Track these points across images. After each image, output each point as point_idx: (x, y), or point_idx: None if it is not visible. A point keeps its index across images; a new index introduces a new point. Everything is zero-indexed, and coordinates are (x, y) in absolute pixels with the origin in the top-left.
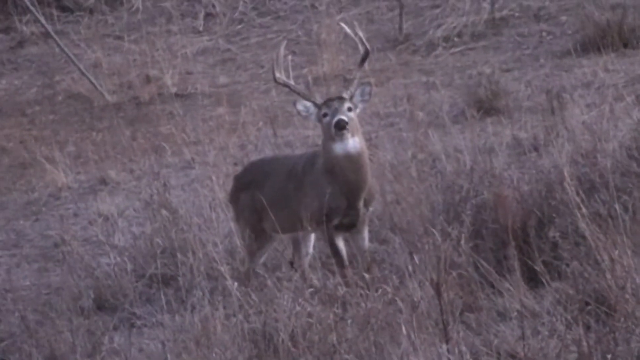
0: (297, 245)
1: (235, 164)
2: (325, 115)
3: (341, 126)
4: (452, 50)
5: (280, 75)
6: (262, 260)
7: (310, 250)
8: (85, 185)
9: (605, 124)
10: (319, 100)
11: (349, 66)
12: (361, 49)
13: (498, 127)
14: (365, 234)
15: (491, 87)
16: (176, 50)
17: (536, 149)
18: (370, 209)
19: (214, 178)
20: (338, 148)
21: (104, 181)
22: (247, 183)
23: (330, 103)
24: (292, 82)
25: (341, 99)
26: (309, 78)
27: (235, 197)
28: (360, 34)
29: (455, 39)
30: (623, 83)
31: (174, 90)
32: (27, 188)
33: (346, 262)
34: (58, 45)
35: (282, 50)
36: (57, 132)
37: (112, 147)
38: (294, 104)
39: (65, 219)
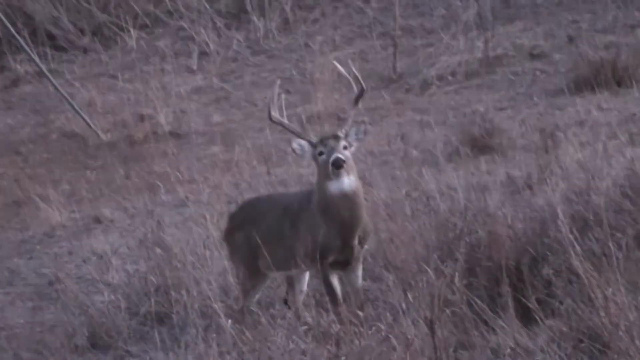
0: (291, 283)
1: (229, 203)
2: (321, 153)
3: (338, 165)
4: (446, 88)
5: (275, 114)
6: (256, 298)
7: (305, 287)
8: (80, 224)
9: (599, 162)
10: (314, 138)
11: (343, 105)
12: (356, 87)
13: (492, 165)
14: (359, 271)
15: (485, 126)
16: (170, 89)
17: (530, 187)
18: (365, 246)
19: (207, 216)
20: (333, 187)
21: (98, 219)
22: (242, 222)
23: (326, 141)
24: (286, 120)
25: (336, 137)
26: (303, 117)
27: (230, 236)
28: (356, 71)
29: (449, 77)
30: (616, 121)
31: (168, 128)
32: (21, 226)
33: (340, 300)
34: (52, 84)
35: (276, 89)
36: (51, 171)
37: (106, 185)
38: (290, 142)
39: (59, 257)
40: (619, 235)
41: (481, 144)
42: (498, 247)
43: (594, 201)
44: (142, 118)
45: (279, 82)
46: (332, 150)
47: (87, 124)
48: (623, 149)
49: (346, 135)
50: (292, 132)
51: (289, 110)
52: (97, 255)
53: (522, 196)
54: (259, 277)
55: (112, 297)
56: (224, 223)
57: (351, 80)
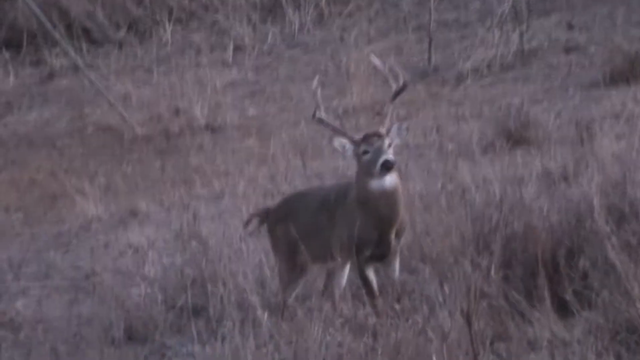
0: (330, 275)
1: (265, 195)
2: (365, 152)
3: (389, 167)
4: (481, 81)
5: (319, 113)
6: (295, 291)
7: (344, 281)
8: (116, 217)
9: (635, 155)
10: (356, 136)
11: (379, 98)
12: (396, 81)
13: (527, 157)
14: (397, 264)
15: (520, 118)
16: (205, 83)
17: (566, 180)
18: (402, 240)
19: (243, 209)
20: (375, 184)
21: (134, 213)
22: (284, 215)
23: (370, 140)
24: (328, 119)
25: (380, 135)
26: (340, 110)
27: (272, 229)
28: (397, 68)
29: (484, 70)
30: None
31: (203, 122)
32: (58, 219)
33: (376, 293)
34: (88, 78)
35: (316, 83)
36: (87, 164)
37: (142, 178)
38: (331, 141)
39: (95, 250)
40: None
41: (517, 137)
42: (534, 239)
43: (629, 193)
44: (177, 111)
45: (317, 78)
46: (380, 150)
47: (123, 117)
48: None
49: (387, 132)
50: (335, 131)
51: (324, 103)
52: (134, 249)
53: (557, 188)
54: (298, 271)
55: (149, 290)
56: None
57: (388, 75)
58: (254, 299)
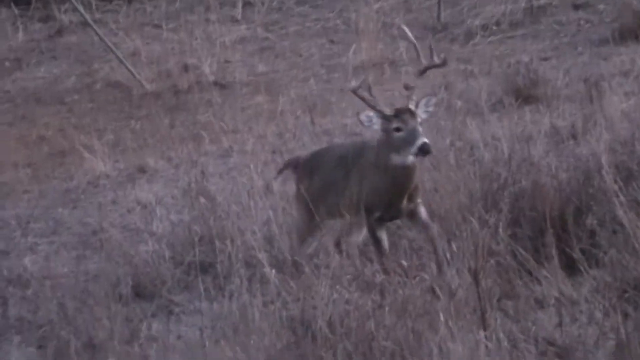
0: (349, 232)
1: (274, 152)
2: (398, 129)
3: (427, 151)
4: (490, 38)
5: (355, 85)
6: (310, 246)
7: (359, 239)
8: (124, 173)
9: None
10: (387, 110)
11: (387, 54)
12: (424, 58)
13: (536, 115)
14: (422, 214)
15: (529, 76)
16: (214, 39)
17: (574, 137)
18: (418, 200)
19: (252, 166)
20: (398, 159)
21: (142, 169)
22: (309, 169)
23: (404, 117)
24: (361, 91)
25: (412, 112)
26: (350, 67)
27: (299, 180)
28: (432, 45)
29: (494, 27)
30: None
31: (212, 78)
32: (66, 176)
33: (386, 251)
34: (97, 34)
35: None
36: (95, 121)
37: (151, 135)
38: (358, 114)
39: (103, 207)
40: None
41: (525, 94)
42: (542, 197)
43: (638, 151)
44: (186, 68)
45: (362, 79)
46: (415, 131)
47: (132, 73)
48: None
49: (416, 107)
50: (369, 105)
51: (333, 60)
52: (142, 205)
53: (566, 146)
54: (315, 225)
55: (157, 246)
56: (268, 172)
57: (418, 49)
58: (262, 256)
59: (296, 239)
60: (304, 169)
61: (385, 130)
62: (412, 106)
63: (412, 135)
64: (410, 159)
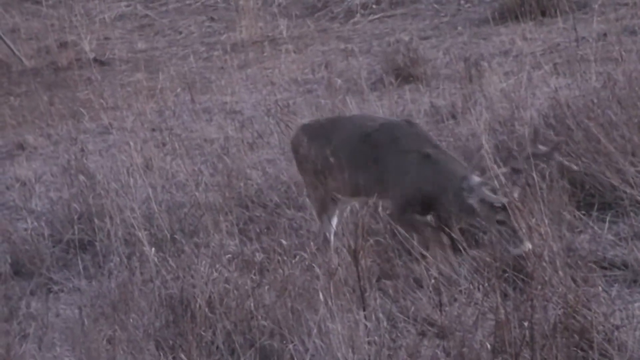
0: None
1: (153, 130)
2: (501, 222)
3: None
4: (371, 17)
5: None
6: (334, 220)
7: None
8: (3, 150)
9: (523, 92)
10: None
11: (267, 32)
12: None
13: (416, 94)
14: None
15: (409, 55)
16: (94, 16)
17: (454, 117)
18: None
19: (131, 143)
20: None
21: (21, 146)
22: (317, 135)
23: (509, 217)
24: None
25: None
26: (228, 45)
27: (299, 146)
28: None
29: (374, 6)
30: (541, 51)
31: (92, 55)
32: None
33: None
34: None
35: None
36: None
37: (30, 112)
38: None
39: None
40: (542, 165)
41: (405, 73)
42: None
43: (517, 131)
44: (65, 45)
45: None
46: (516, 235)
47: (11, 50)
48: (547, 78)
49: None
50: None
51: (213, 37)
52: (21, 182)
53: (446, 125)
54: (326, 197)
55: (35, 224)
56: (150, 150)
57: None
58: (141, 234)
59: (316, 216)
60: (305, 134)
61: (487, 217)
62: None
63: (513, 238)
64: None
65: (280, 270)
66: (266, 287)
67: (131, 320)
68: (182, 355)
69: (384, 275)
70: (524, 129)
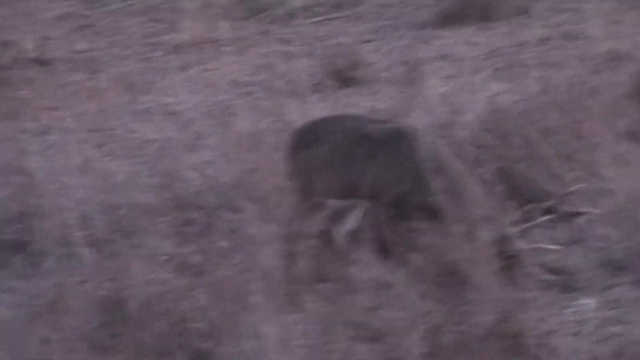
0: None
1: (94, 131)
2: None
3: None
4: (312, 19)
5: None
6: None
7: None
8: None
9: (463, 96)
10: None
11: (210, 34)
12: None
13: (357, 97)
14: None
15: (350, 58)
16: (35, 15)
17: (394, 120)
18: None
19: (70, 144)
20: None
21: None
22: (309, 140)
23: None
24: None
25: None
26: (169, 46)
27: (293, 154)
28: None
29: (315, 8)
30: (481, 56)
31: (32, 55)
32: None
33: None
34: None
35: None
36: None
37: None
38: None
39: None
40: (481, 169)
41: (346, 76)
42: None
43: (457, 135)
44: (6, 44)
45: None
46: None
47: None
48: (487, 83)
49: None
50: None
51: (155, 38)
52: None
53: None
54: (311, 203)
55: None
56: (89, 151)
57: None
58: (78, 235)
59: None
60: (298, 140)
61: None
62: None
63: None
64: None
65: (216, 272)
66: (202, 289)
67: (66, 320)
68: (116, 357)
69: (319, 278)
70: (463, 133)
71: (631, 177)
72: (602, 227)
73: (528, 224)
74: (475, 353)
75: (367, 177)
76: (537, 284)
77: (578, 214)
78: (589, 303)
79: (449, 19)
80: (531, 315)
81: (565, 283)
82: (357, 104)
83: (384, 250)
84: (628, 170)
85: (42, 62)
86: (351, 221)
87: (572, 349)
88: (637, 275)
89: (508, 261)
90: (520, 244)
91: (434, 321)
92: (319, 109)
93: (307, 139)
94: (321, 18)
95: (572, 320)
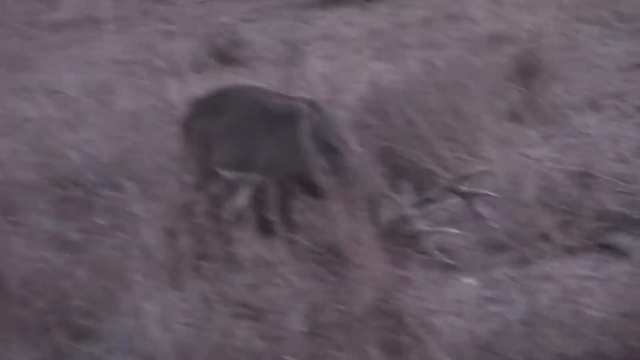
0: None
1: None
2: None
3: None
4: None
5: None
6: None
7: (244, 202)
8: None
9: (344, 77)
10: None
11: (90, 13)
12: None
13: (238, 76)
14: None
15: (231, 37)
16: None
17: None
18: None
19: None
20: None
21: None
22: (206, 110)
23: None
24: None
25: None
26: (50, 24)
27: (188, 124)
28: None
29: None
30: (363, 36)
31: None
32: None
33: None
34: None
35: None
36: None
37: None
38: None
39: None
40: (363, 150)
41: (227, 56)
42: None
43: (339, 115)
44: None
45: None
46: None
47: None
48: (368, 63)
49: None
50: None
51: (36, 16)
52: None
53: None
54: (208, 172)
55: None
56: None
57: None
58: None
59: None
60: (201, 107)
61: None
62: None
63: None
64: None
65: (97, 250)
66: (82, 267)
67: None
68: None
69: (200, 256)
70: (344, 113)
71: (512, 158)
72: (482, 207)
73: (408, 204)
74: (356, 331)
75: (263, 151)
76: (419, 264)
77: (472, 194)
78: (469, 283)
79: (330, 0)
80: (412, 295)
81: (447, 263)
82: (238, 82)
83: (267, 229)
84: (509, 150)
85: None
86: (241, 198)
87: (452, 328)
88: (518, 255)
89: (393, 240)
90: (402, 223)
91: (315, 300)
92: (199, 88)
93: (207, 108)
94: None
95: (452, 300)
